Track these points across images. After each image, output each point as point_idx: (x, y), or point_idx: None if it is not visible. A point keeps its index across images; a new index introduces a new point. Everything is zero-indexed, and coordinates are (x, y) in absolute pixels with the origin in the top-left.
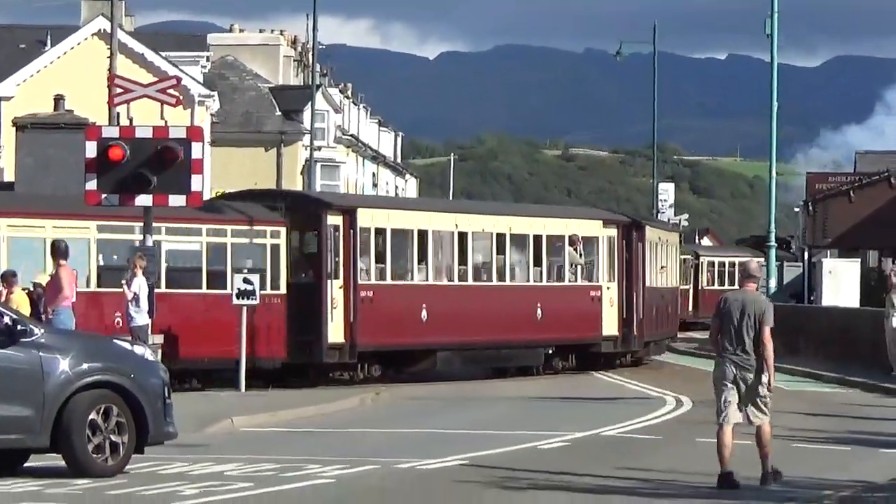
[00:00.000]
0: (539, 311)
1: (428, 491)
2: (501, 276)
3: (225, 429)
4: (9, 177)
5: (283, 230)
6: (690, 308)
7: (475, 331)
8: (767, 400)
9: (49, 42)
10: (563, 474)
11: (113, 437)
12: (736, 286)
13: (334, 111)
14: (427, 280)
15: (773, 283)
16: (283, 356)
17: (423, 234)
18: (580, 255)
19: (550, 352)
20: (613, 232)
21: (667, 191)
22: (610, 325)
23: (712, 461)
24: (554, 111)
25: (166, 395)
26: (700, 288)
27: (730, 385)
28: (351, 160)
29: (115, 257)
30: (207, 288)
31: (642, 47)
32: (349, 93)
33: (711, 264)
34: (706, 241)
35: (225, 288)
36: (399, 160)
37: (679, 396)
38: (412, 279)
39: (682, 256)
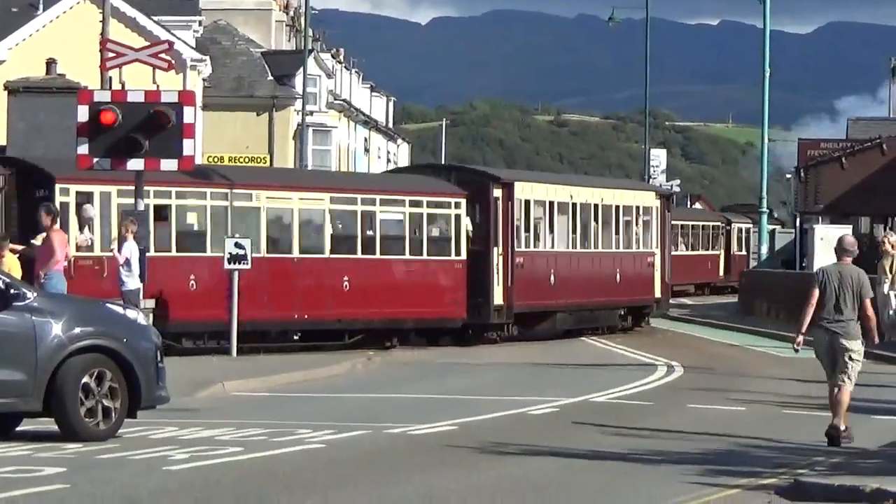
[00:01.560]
0: (618, 275)
1: (418, 455)
2: (597, 244)
3: (216, 393)
4: (0, 141)
5: (463, 201)
6: (721, 272)
7: (582, 293)
8: (857, 367)
9: (41, 6)
10: (553, 440)
11: (105, 402)
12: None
13: (326, 76)
14: (554, 247)
15: (764, 250)
16: (464, 316)
17: (551, 205)
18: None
19: (622, 312)
20: (658, 202)
21: (658, 156)
22: (657, 289)
23: (703, 426)
24: (546, 77)
25: (159, 359)
26: (731, 253)
27: (826, 351)
28: (343, 125)
29: (340, 226)
30: (410, 254)
31: (634, 13)
32: (341, 58)
33: (741, 230)
34: (698, 207)
35: (421, 254)
36: (391, 125)
37: (670, 363)
38: (546, 247)
39: (713, 223)
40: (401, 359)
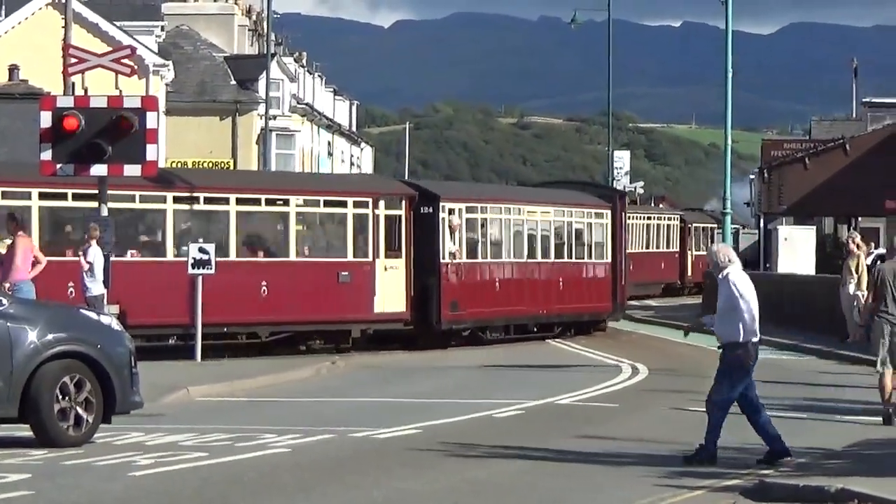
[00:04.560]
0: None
1: (383, 459)
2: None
3: (181, 398)
4: None
5: (609, 212)
6: None
7: (632, 289)
8: None
9: (3, 12)
10: (518, 442)
11: (79, 410)
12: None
13: (289, 80)
14: (634, 249)
15: None
16: (611, 309)
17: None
18: None
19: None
20: None
21: (622, 158)
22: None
23: (667, 428)
24: (509, 79)
25: (132, 364)
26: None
27: (886, 340)
28: (306, 129)
29: (553, 235)
30: (587, 258)
31: (597, 15)
32: (304, 62)
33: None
34: (662, 208)
35: (591, 257)
36: (354, 129)
37: (635, 364)
38: (632, 250)
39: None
40: (364, 363)
